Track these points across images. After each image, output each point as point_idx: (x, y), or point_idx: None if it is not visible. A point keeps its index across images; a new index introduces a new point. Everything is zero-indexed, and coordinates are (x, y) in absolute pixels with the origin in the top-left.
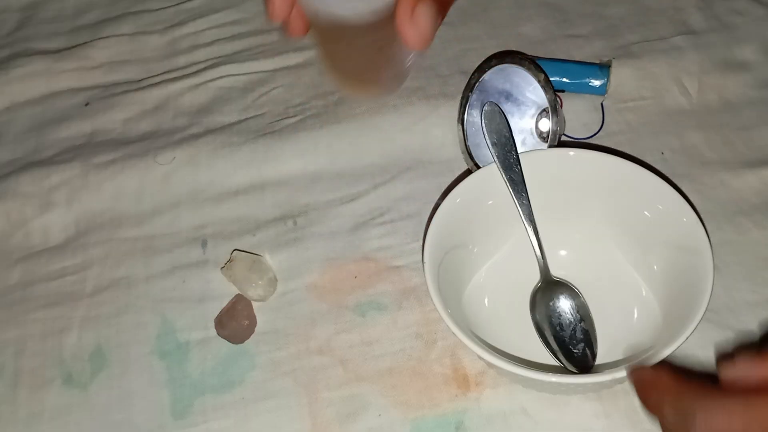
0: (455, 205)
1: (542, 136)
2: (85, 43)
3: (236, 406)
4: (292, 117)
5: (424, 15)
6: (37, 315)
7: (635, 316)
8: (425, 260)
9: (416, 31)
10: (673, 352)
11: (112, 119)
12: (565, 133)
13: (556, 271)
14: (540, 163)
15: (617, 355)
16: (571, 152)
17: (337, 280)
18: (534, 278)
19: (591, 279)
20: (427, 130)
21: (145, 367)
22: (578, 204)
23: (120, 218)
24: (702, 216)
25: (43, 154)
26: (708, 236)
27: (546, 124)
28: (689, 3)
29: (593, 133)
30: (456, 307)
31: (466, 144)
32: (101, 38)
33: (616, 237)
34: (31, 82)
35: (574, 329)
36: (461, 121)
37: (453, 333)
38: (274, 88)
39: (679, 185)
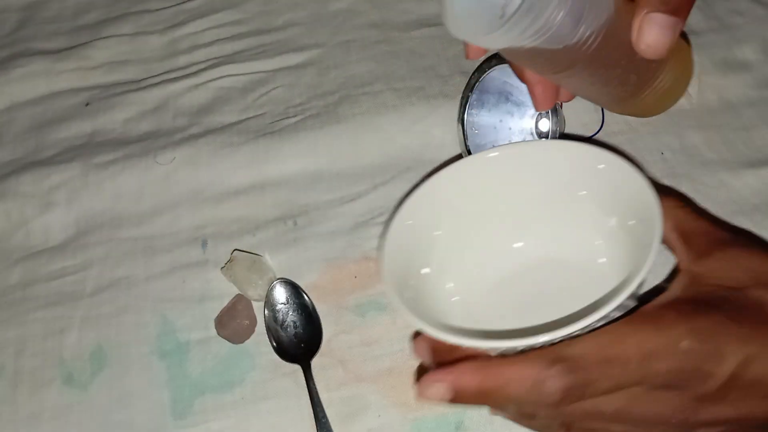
0: (403, 229)
1: (542, 136)
2: (86, 43)
3: (236, 406)
4: (292, 117)
5: (649, 31)
6: (38, 315)
7: (603, 275)
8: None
9: (646, 47)
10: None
11: (113, 119)
12: (565, 133)
13: (517, 260)
14: (485, 166)
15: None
16: (494, 153)
17: (337, 280)
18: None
19: (555, 259)
20: (427, 130)
21: (146, 367)
22: (524, 193)
23: (120, 218)
24: None
25: (44, 154)
26: (643, 172)
27: (546, 124)
28: None
29: (593, 133)
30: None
31: (466, 144)
32: (101, 38)
33: (566, 211)
34: (32, 82)
35: None
36: (461, 121)
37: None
38: (274, 89)
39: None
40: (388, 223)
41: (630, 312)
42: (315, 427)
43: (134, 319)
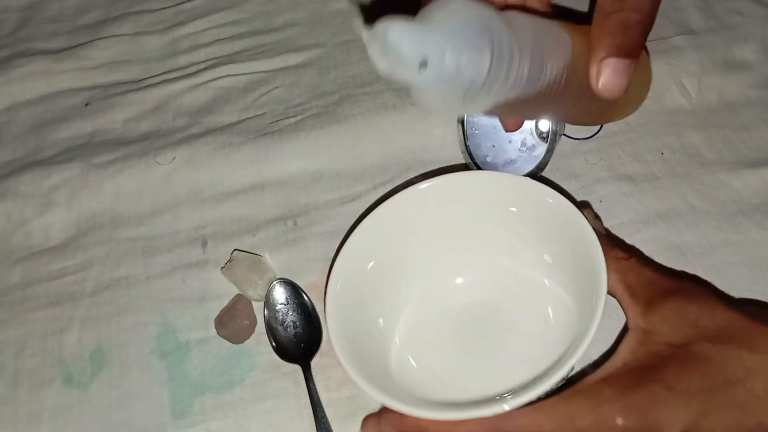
0: (343, 287)
1: (542, 136)
2: (86, 43)
3: (236, 406)
4: (292, 117)
5: (606, 79)
6: (38, 315)
7: (551, 315)
8: (339, 353)
9: (604, 90)
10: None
11: (113, 119)
12: (565, 133)
13: (461, 299)
14: (419, 199)
15: (545, 362)
16: (426, 184)
17: None
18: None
19: (498, 297)
20: (427, 130)
21: (145, 367)
22: (464, 227)
23: (120, 218)
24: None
25: (44, 154)
26: (579, 208)
27: (546, 124)
28: (689, 3)
29: (593, 134)
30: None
31: (466, 144)
32: (101, 38)
33: (508, 250)
34: (32, 82)
35: None
36: (461, 121)
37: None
38: (274, 88)
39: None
40: (330, 267)
41: (577, 379)
42: (315, 427)
43: (134, 319)
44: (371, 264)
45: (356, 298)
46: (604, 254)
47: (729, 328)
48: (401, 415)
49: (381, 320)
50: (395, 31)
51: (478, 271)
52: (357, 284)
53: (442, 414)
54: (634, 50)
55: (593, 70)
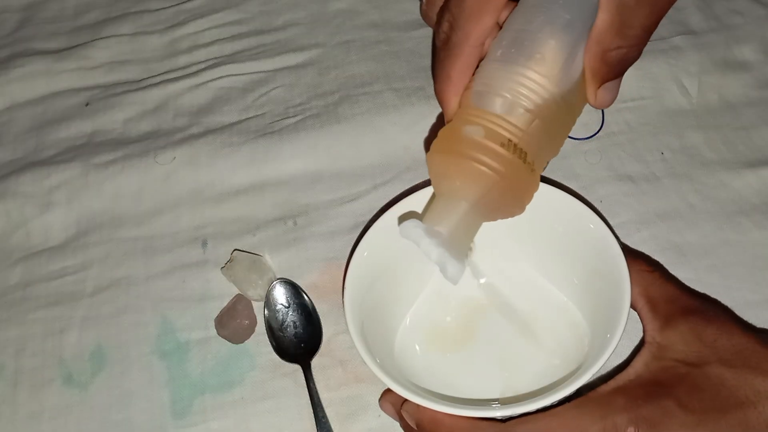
0: (364, 261)
1: None
2: (86, 43)
3: (236, 406)
4: (292, 117)
5: (604, 98)
6: (38, 315)
7: (564, 336)
8: (351, 328)
9: (601, 105)
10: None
11: (113, 119)
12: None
13: (480, 301)
14: None
15: (551, 377)
16: None
17: (337, 280)
18: (460, 310)
19: (516, 303)
20: (426, 130)
21: (145, 367)
22: (504, 231)
23: (120, 218)
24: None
25: (44, 154)
26: (618, 242)
27: None
28: (689, 3)
29: (593, 133)
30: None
31: None
32: (101, 38)
33: (533, 257)
34: (32, 82)
35: None
36: None
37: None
38: (274, 89)
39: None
40: (348, 260)
41: (589, 388)
42: (315, 427)
43: (134, 319)
44: (392, 255)
45: (379, 269)
46: (628, 266)
47: (744, 352)
48: (419, 405)
49: (397, 299)
50: (405, 231)
51: (503, 276)
52: (385, 253)
53: (452, 409)
54: (625, 67)
55: (592, 94)
